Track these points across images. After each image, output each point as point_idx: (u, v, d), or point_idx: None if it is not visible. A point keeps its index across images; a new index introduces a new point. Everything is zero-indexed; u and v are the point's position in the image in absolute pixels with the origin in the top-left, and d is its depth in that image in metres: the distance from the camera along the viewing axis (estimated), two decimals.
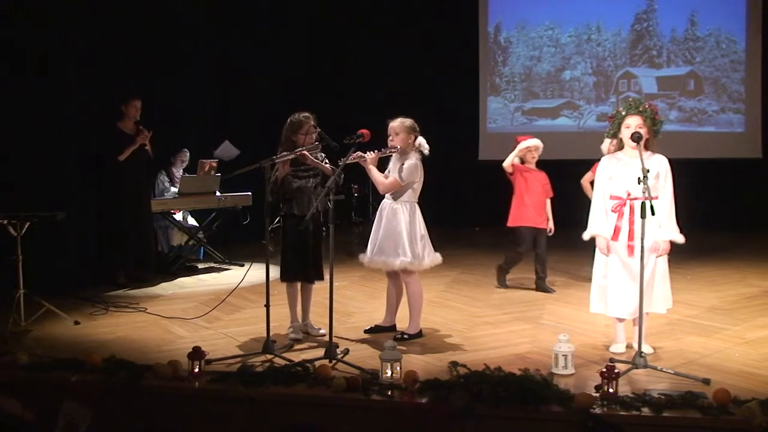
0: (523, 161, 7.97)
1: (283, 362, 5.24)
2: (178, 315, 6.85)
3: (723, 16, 12.87)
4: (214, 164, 9.69)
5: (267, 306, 5.58)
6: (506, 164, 7.89)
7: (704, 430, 4.28)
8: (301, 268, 6.10)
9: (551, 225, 7.97)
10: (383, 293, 6.46)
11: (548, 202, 8.03)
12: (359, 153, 5.80)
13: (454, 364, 4.98)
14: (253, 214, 9.74)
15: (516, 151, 7.90)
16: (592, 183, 6.37)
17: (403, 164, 5.95)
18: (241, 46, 11.20)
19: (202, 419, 4.76)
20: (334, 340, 5.43)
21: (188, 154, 9.79)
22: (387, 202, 6.04)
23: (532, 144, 7.91)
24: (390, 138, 6.03)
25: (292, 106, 6.29)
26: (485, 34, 13.24)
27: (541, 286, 7.86)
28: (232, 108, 11.09)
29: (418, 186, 6.04)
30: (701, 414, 4.31)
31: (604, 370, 4.57)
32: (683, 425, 4.31)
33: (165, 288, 8.23)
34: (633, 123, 5.46)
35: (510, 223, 8.04)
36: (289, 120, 6.08)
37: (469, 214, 12.73)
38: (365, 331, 6.23)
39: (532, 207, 7.89)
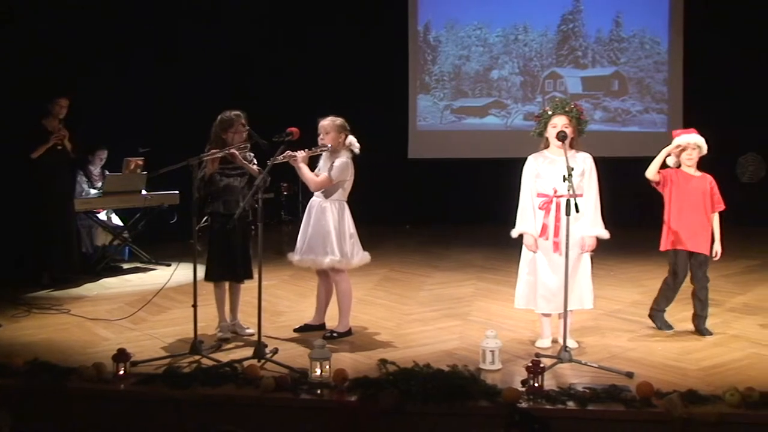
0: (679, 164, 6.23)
1: (210, 363, 5.19)
2: (103, 316, 6.71)
3: (647, 18, 13.16)
4: (140, 162, 9.53)
5: (194, 306, 5.51)
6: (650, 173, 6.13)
7: (628, 423, 4.39)
8: (230, 268, 6.03)
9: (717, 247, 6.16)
10: (313, 292, 6.44)
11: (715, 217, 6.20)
12: (289, 152, 5.77)
13: (384, 362, 5.00)
14: (180, 213, 9.61)
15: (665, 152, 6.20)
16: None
17: (333, 162, 5.95)
18: (167, 43, 11.04)
19: (128, 422, 4.68)
20: (263, 339, 5.39)
21: (107, 152, 9.60)
22: (316, 200, 6.03)
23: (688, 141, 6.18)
24: (320, 136, 6.01)
25: (221, 103, 6.22)
26: (415, 33, 13.30)
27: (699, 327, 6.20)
28: (159, 105, 10.92)
29: (348, 185, 6.04)
30: (625, 407, 4.42)
31: (530, 364, 4.65)
32: (607, 418, 4.41)
33: (89, 289, 8.05)
34: (559, 122, 5.57)
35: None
36: (219, 117, 6.01)
37: (398, 212, 12.78)
38: (294, 330, 6.20)
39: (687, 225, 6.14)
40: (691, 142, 6.09)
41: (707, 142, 6.14)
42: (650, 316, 6.28)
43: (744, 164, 12.70)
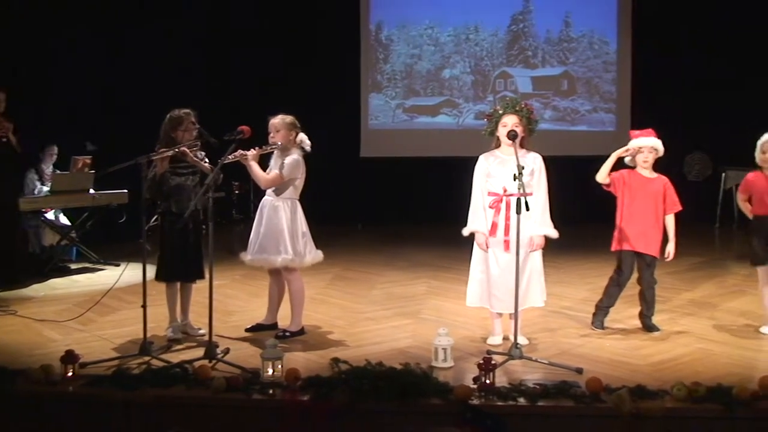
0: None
1: (160, 364, 5.13)
2: (51, 317, 6.60)
3: (596, 18, 13.31)
4: (88, 161, 9.39)
5: (144, 306, 5.46)
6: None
7: (577, 418, 4.45)
8: (181, 267, 5.98)
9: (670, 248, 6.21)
10: (265, 291, 6.41)
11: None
12: (240, 150, 5.73)
13: (336, 361, 4.99)
14: (130, 212, 9.49)
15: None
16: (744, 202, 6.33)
17: (284, 160, 5.93)
18: (117, 39, 10.90)
19: (76, 424, 4.61)
20: (215, 339, 5.36)
21: (56, 149, 9.45)
22: (268, 199, 6.00)
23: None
24: (271, 135, 5.99)
25: (171, 102, 6.15)
26: (367, 32, 13.29)
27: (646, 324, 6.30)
28: (107, 103, 10.78)
29: (299, 183, 6.03)
30: (574, 402, 4.47)
31: (482, 362, 4.68)
32: (557, 414, 4.47)
33: (36, 290, 7.91)
34: (510, 121, 5.62)
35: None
36: (168, 116, 5.95)
37: (351, 211, 12.77)
38: (246, 330, 6.17)
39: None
40: (648, 146, 6.14)
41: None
42: (594, 314, 6.35)
43: (691, 163, 12.93)
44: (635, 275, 6.22)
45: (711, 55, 12.29)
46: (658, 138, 6.19)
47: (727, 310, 6.88)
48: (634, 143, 6.15)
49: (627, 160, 6.21)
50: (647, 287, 6.20)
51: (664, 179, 6.21)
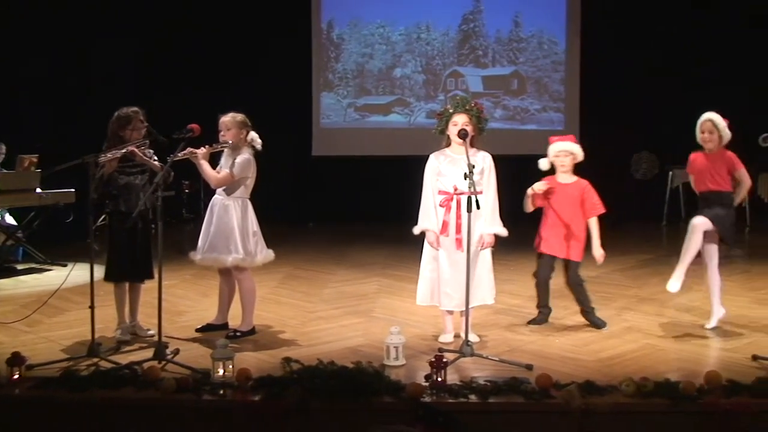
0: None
1: (109, 365, 5.07)
2: None
3: (545, 19, 13.46)
4: (35, 160, 9.22)
5: (92, 307, 5.38)
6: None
7: (528, 414, 4.49)
8: (130, 267, 5.91)
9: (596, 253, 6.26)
10: (215, 291, 6.37)
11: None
12: (190, 149, 5.68)
13: (288, 360, 4.97)
14: (77, 211, 9.34)
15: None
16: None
17: (235, 159, 5.88)
18: (65, 38, 10.73)
19: (24, 427, 4.53)
20: (164, 340, 5.30)
21: (4, 147, 9.27)
22: (218, 198, 5.96)
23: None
24: (221, 133, 5.94)
25: (119, 100, 6.07)
26: (318, 30, 13.27)
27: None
28: (52, 101, 10.60)
29: (250, 182, 5.99)
30: (524, 399, 4.51)
31: (433, 359, 4.70)
32: (508, 410, 4.50)
33: None
34: (460, 120, 5.66)
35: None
36: (116, 114, 5.87)
37: (302, 209, 12.74)
38: (197, 330, 6.12)
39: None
40: (562, 150, 6.25)
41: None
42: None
43: (638, 162, 13.14)
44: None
45: (658, 57, 12.50)
46: (577, 143, 6.31)
47: (674, 306, 7.00)
48: (550, 148, 6.28)
49: (544, 165, 6.32)
50: (573, 286, 6.32)
51: (583, 183, 6.31)
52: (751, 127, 6.31)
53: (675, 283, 6.05)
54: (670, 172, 12.48)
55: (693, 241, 6.06)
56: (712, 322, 6.21)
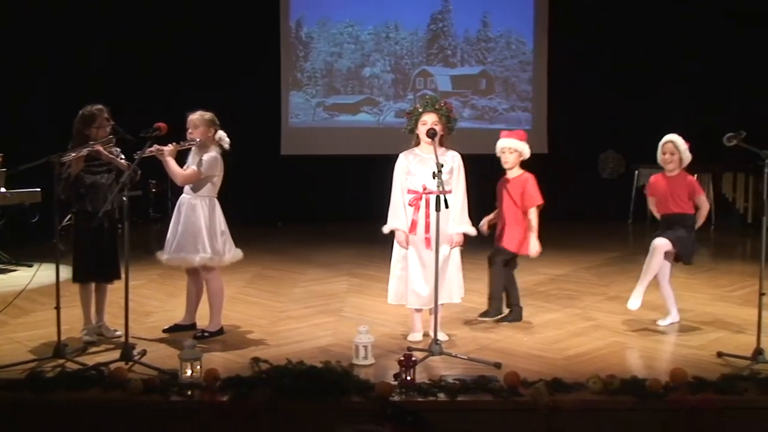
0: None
1: (76, 366, 5.02)
2: None
3: (513, 19, 13.53)
4: None
5: (58, 308, 5.30)
6: None
7: (496, 412, 4.51)
8: (96, 268, 5.84)
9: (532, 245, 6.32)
10: (182, 291, 6.31)
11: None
12: (156, 146, 5.63)
13: (256, 360, 4.96)
14: (42, 211, 9.23)
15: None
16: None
17: (202, 158, 5.85)
18: (31, 34, 10.60)
19: None
20: (131, 341, 5.26)
21: None
22: (186, 197, 5.91)
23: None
24: (189, 131, 5.90)
25: (86, 99, 6.01)
26: (287, 29, 13.23)
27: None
28: (19, 100, 10.47)
29: (217, 180, 5.95)
30: (493, 397, 4.54)
31: (402, 358, 4.71)
32: (477, 408, 4.52)
33: None
34: (429, 120, 5.67)
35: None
36: (80, 113, 5.80)
37: (271, 209, 12.69)
38: (164, 331, 6.07)
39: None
40: (507, 146, 6.31)
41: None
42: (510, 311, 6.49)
43: (605, 161, 13.24)
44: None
45: (624, 57, 12.61)
46: (525, 139, 6.38)
47: (641, 303, 7.05)
48: (497, 144, 6.35)
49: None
50: (491, 267, 6.40)
51: (526, 177, 6.37)
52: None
53: (635, 301, 6.21)
54: (636, 171, 12.61)
55: (654, 261, 6.19)
56: (666, 321, 6.33)
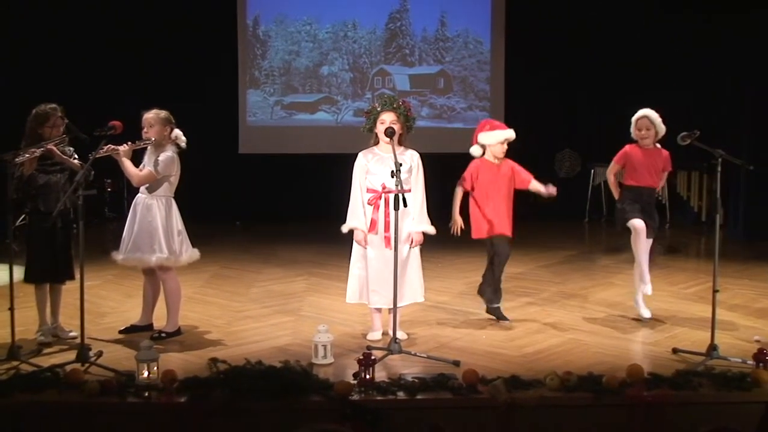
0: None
1: (31, 368, 4.94)
2: None
3: (470, 19, 13.57)
4: None
5: (11, 309, 5.22)
6: None
7: (455, 410, 4.54)
8: (50, 268, 5.77)
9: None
10: (139, 291, 6.25)
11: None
12: (111, 146, 5.57)
13: (214, 361, 4.90)
14: None
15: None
16: (616, 174, 6.56)
17: (158, 157, 5.78)
18: None
19: None
20: (87, 342, 5.19)
21: None
22: (141, 197, 5.85)
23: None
24: (144, 130, 5.84)
25: (37, 97, 5.92)
26: (244, 27, 13.13)
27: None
28: None
29: (174, 180, 5.90)
30: (452, 394, 4.57)
31: (362, 357, 4.72)
32: (436, 406, 4.54)
33: None
34: (387, 119, 5.68)
35: None
36: (34, 111, 5.72)
37: (228, 208, 12.59)
38: (120, 332, 6.00)
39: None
40: (510, 138, 6.29)
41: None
42: (489, 311, 6.43)
43: (561, 160, 13.36)
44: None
45: (580, 57, 12.72)
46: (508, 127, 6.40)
47: (597, 301, 7.15)
48: (500, 134, 6.27)
49: (477, 152, 6.35)
50: (499, 262, 6.33)
51: (510, 162, 6.36)
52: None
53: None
54: (592, 170, 12.74)
55: (641, 242, 6.32)
56: (647, 289, 6.42)
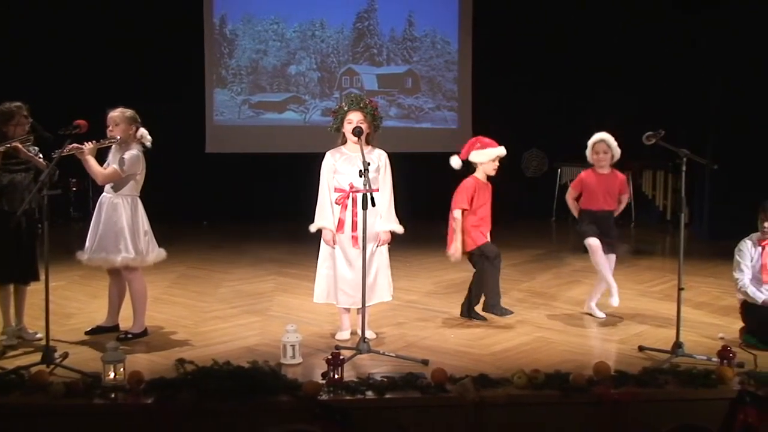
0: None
1: None
2: None
3: (438, 19, 13.61)
4: None
5: None
6: None
7: (424, 408, 4.54)
8: (14, 269, 5.70)
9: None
10: (105, 292, 6.18)
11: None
12: (75, 144, 5.51)
13: (181, 362, 4.87)
14: None
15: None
16: (576, 199, 6.66)
17: (123, 156, 5.73)
18: None
19: None
20: (52, 343, 5.14)
21: None
22: (107, 196, 5.79)
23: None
24: (109, 128, 5.78)
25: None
26: (210, 26, 13.05)
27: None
28: None
29: (140, 178, 5.85)
30: (421, 393, 4.58)
31: (330, 357, 4.71)
32: (405, 405, 4.55)
33: None
34: (355, 118, 5.67)
35: None
36: None
37: (195, 208, 12.51)
38: (86, 333, 5.93)
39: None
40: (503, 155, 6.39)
41: (493, 138, 6.46)
42: (487, 309, 6.41)
43: (528, 159, 13.45)
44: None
45: (547, 57, 12.80)
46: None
47: (565, 299, 7.21)
48: (492, 151, 6.34)
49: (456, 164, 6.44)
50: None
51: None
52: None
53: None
54: (559, 170, 12.85)
55: (600, 258, 6.42)
56: (615, 299, 6.48)
